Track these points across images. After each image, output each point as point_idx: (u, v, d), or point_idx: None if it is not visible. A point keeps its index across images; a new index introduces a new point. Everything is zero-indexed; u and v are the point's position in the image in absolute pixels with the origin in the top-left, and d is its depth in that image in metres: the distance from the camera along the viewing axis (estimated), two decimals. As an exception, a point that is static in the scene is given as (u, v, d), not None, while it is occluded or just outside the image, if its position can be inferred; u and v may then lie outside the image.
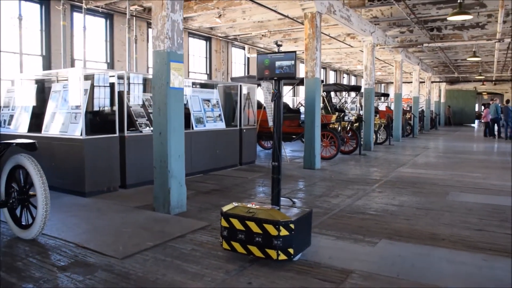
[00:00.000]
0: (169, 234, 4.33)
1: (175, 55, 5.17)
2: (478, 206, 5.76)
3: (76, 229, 4.51)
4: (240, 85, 9.55)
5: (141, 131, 7.01)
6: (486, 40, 13.53)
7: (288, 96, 18.80)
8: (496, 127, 19.69)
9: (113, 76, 7.25)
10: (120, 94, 6.86)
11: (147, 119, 7.29)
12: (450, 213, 5.35)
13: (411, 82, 22.78)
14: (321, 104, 10.40)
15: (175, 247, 3.97)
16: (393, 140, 16.07)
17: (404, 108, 20.75)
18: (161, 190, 5.21)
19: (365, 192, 6.64)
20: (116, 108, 6.69)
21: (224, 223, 3.63)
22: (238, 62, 16.91)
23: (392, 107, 18.08)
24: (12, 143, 4.13)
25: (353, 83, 28.91)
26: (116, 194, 6.29)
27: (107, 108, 7.62)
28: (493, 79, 29.65)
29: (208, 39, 14.88)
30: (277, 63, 3.78)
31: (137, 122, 7.09)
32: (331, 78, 25.58)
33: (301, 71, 19.95)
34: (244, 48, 16.78)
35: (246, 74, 16.43)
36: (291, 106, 15.60)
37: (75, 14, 10.17)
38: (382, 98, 22.75)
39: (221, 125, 8.79)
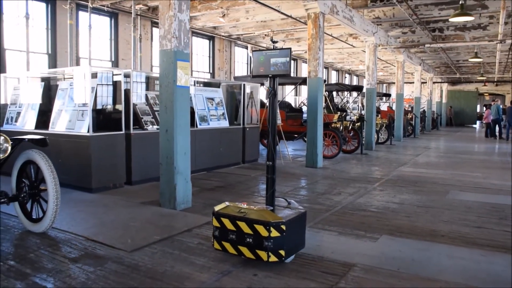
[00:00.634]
0: (176, 229, 4.44)
1: (181, 54, 5.27)
2: (477, 205, 5.87)
3: (84, 224, 4.63)
4: (244, 84, 9.65)
5: (146, 129, 7.12)
6: (488, 41, 13.61)
7: (290, 95, 18.90)
8: (497, 128, 19.78)
9: (119, 74, 7.35)
10: (126, 92, 6.97)
11: (152, 117, 7.40)
12: (450, 211, 5.46)
13: (413, 83, 22.86)
14: (323, 104, 10.49)
15: (182, 241, 4.08)
16: (394, 140, 16.16)
17: (406, 108, 20.83)
18: (167, 186, 5.31)
19: (366, 190, 6.75)
20: (122, 105, 6.80)
21: (215, 223, 3.57)
22: (241, 61, 17.02)
23: (394, 107, 18.16)
24: (24, 138, 4.24)
25: (355, 83, 28.98)
26: (122, 190, 6.41)
27: (113, 106, 7.72)
28: (495, 80, 29.69)
29: (211, 38, 14.99)
30: (272, 60, 3.63)
31: (142, 120, 7.21)
32: (333, 78, 25.66)
33: (304, 71, 20.14)
34: (247, 48, 16.88)
35: (248, 73, 16.52)
36: (293, 105, 15.71)
37: (81, 13, 10.30)
38: (384, 98, 22.84)
39: (224, 123, 8.90)
